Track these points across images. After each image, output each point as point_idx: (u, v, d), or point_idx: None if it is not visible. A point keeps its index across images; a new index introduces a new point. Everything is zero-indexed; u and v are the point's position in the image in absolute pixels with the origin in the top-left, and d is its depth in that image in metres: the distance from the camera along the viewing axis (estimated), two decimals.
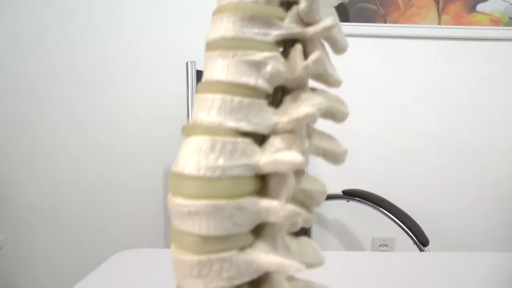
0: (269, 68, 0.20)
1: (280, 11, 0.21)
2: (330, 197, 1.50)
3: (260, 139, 0.21)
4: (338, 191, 1.49)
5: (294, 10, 0.21)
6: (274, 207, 0.19)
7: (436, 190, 1.65)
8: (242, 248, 0.20)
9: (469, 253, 0.64)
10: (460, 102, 1.64)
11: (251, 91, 0.20)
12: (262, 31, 0.20)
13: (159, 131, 1.63)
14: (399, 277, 0.53)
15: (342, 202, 1.55)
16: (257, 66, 0.20)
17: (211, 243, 0.19)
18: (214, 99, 0.20)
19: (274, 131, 0.21)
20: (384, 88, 1.63)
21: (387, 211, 1.35)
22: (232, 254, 0.19)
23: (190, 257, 0.19)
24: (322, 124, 1.51)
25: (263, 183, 0.21)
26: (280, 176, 0.20)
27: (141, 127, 1.63)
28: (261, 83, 0.20)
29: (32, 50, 1.61)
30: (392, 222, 1.36)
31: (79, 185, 1.64)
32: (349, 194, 1.45)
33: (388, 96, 1.63)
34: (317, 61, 0.21)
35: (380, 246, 1.65)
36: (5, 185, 1.64)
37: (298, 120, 0.19)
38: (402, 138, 1.64)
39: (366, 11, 1.58)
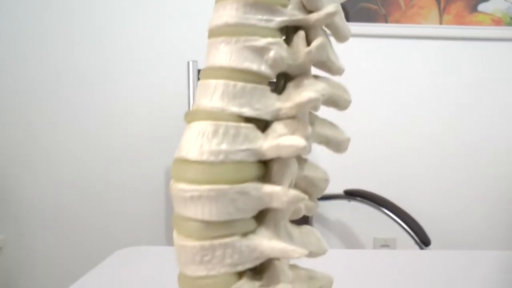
0: (272, 53, 0.20)
1: None
2: (331, 197, 1.49)
3: (263, 125, 0.21)
4: (340, 191, 1.49)
5: None
6: (277, 192, 0.19)
7: (437, 190, 1.65)
8: (245, 234, 0.20)
9: (470, 251, 0.64)
10: (461, 102, 1.64)
11: (254, 77, 0.20)
12: (265, 17, 0.20)
13: (160, 131, 1.63)
14: (400, 274, 0.53)
15: (344, 202, 1.55)
16: (260, 51, 0.20)
17: (214, 228, 0.19)
18: (217, 84, 0.20)
19: (277, 117, 0.20)
20: (385, 88, 1.63)
21: (389, 211, 1.35)
22: (235, 239, 0.19)
23: (193, 243, 0.19)
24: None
25: (265, 169, 0.20)
26: (283, 161, 0.20)
27: (143, 127, 1.63)
28: (264, 68, 0.20)
29: (32, 50, 1.61)
30: (394, 222, 1.36)
31: (80, 185, 1.64)
32: (351, 194, 1.45)
33: (390, 96, 1.63)
34: (320, 47, 0.21)
35: (381, 246, 1.65)
36: (6, 185, 1.64)
37: (301, 105, 0.19)
38: (404, 138, 1.63)
39: (367, 11, 1.58)
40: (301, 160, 0.22)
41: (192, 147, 0.19)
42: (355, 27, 1.57)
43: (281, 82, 0.22)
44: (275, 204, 0.19)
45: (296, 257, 0.19)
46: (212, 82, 0.20)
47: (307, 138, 0.20)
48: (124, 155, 1.63)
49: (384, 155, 1.63)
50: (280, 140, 0.19)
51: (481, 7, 1.59)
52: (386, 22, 1.58)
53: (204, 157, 0.19)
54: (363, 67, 1.62)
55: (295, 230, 0.22)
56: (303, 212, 0.22)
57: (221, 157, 0.19)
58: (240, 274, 0.20)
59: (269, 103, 0.20)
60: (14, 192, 1.64)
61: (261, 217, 0.21)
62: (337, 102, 0.22)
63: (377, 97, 1.63)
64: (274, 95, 0.21)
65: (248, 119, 0.20)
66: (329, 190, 1.58)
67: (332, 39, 1.28)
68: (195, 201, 0.19)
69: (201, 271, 0.19)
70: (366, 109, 1.63)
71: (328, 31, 0.23)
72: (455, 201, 1.65)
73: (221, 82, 0.20)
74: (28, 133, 1.63)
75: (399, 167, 1.64)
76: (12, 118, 1.62)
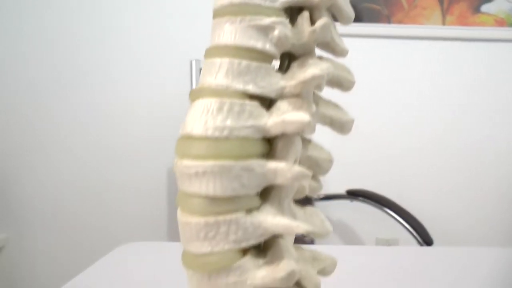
0: (276, 32, 0.20)
1: None
2: (333, 197, 1.49)
3: (267, 104, 0.21)
4: (342, 191, 1.48)
5: None
6: (282, 168, 0.19)
7: (439, 190, 1.64)
8: (249, 211, 0.20)
9: (472, 248, 0.64)
10: (464, 103, 1.63)
11: (259, 55, 0.20)
12: None
13: (163, 130, 1.63)
14: (402, 271, 0.53)
15: (346, 202, 1.55)
16: (265, 30, 0.20)
17: (218, 204, 0.19)
18: (222, 62, 0.20)
19: (281, 96, 0.21)
20: (388, 88, 1.63)
21: (391, 211, 1.35)
22: (239, 216, 0.19)
23: (197, 219, 0.19)
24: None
25: (270, 147, 0.21)
26: (288, 139, 0.20)
27: (145, 126, 1.63)
28: (269, 47, 0.20)
29: (32, 49, 1.62)
30: (396, 223, 1.35)
31: (81, 184, 1.64)
32: (353, 194, 1.45)
33: (392, 96, 1.63)
34: (324, 27, 0.21)
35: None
36: (7, 184, 1.64)
37: (305, 82, 0.20)
38: (406, 138, 1.63)
39: (370, 11, 1.58)
40: (305, 140, 0.22)
41: (196, 123, 0.19)
42: (358, 27, 1.58)
43: (285, 62, 0.22)
44: (279, 181, 0.19)
45: (300, 233, 0.19)
46: (217, 60, 0.20)
47: (311, 115, 0.20)
48: (126, 154, 1.64)
49: (386, 155, 1.63)
50: (284, 116, 0.19)
51: (484, 8, 1.59)
52: (389, 22, 1.58)
53: (209, 133, 0.19)
54: (366, 67, 1.62)
55: (299, 210, 0.22)
56: (307, 192, 0.22)
57: (225, 133, 0.19)
58: (244, 252, 0.20)
59: (273, 81, 0.20)
60: (16, 191, 1.64)
61: (266, 194, 0.21)
62: (341, 82, 0.22)
63: (379, 97, 1.63)
64: (278, 74, 0.21)
65: (252, 97, 0.20)
66: (331, 190, 1.58)
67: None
68: (200, 177, 0.19)
69: (205, 248, 0.20)
70: (368, 109, 1.63)
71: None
72: (457, 201, 1.64)
73: (226, 60, 0.20)
74: (29, 133, 1.63)
75: (401, 167, 1.64)
76: (13, 118, 1.63)
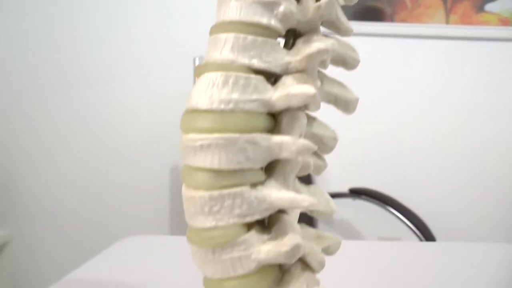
0: (281, 8, 0.20)
1: None
2: (336, 195, 1.49)
3: (273, 80, 0.21)
4: (345, 190, 1.48)
5: None
6: (287, 142, 0.19)
7: (442, 189, 1.64)
8: (254, 185, 0.20)
9: (476, 243, 0.64)
10: (467, 102, 1.63)
11: (264, 30, 0.20)
12: None
13: (165, 129, 1.63)
14: (404, 266, 0.53)
15: (349, 201, 1.55)
16: (270, 6, 0.20)
17: (223, 177, 0.19)
18: (227, 37, 0.20)
19: (286, 71, 0.21)
20: (391, 87, 1.63)
21: (394, 210, 1.35)
22: (244, 189, 0.19)
23: (202, 193, 0.19)
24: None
25: (275, 123, 0.21)
26: (292, 114, 0.20)
27: (148, 125, 1.63)
28: (274, 22, 0.20)
29: (33, 49, 1.62)
30: (399, 221, 1.35)
31: (83, 183, 1.64)
32: (356, 193, 1.45)
33: (395, 95, 1.63)
34: (329, 4, 0.21)
35: None
36: (11, 182, 1.65)
37: (310, 56, 0.20)
38: (409, 137, 1.63)
39: (373, 10, 1.58)
40: (310, 118, 0.22)
41: (202, 97, 0.19)
42: (361, 25, 1.58)
43: (290, 39, 0.22)
44: (284, 154, 0.19)
45: (305, 206, 0.19)
46: (223, 36, 0.20)
47: (316, 88, 0.20)
48: (129, 152, 1.64)
49: (389, 154, 1.63)
50: (289, 89, 0.19)
51: (488, 7, 1.58)
52: (393, 21, 1.58)
53: (214, 106, 0.19)
54: (369, 66, 1.62)
55: (303, 188, 0.22)
56: (312, 169, 0.22)
57: (231, 105, 0.19)
58: (249, 227, 0.20)
59: (278, 57, 0.20)
60: (19, 189, 1.65)
61: (270, 169, 0.21)
62: (346, 60, 0.22)
63: (382, 96, 1.62)
64: (284, 50, 0.21)
65: (258, 72, 0.20)
66: (334, 188, 1.58)
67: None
68: (205, 149, 0.19)
69: (209, 222, 0.20)
70: (372, 108, 1.62)
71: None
72: (460, 200, 1.64)
73: (231, 35, 0.20)
74: (31, 132, 1.64)
75: (404, 166, 1.63)
76: (15, 117, 1.63)
